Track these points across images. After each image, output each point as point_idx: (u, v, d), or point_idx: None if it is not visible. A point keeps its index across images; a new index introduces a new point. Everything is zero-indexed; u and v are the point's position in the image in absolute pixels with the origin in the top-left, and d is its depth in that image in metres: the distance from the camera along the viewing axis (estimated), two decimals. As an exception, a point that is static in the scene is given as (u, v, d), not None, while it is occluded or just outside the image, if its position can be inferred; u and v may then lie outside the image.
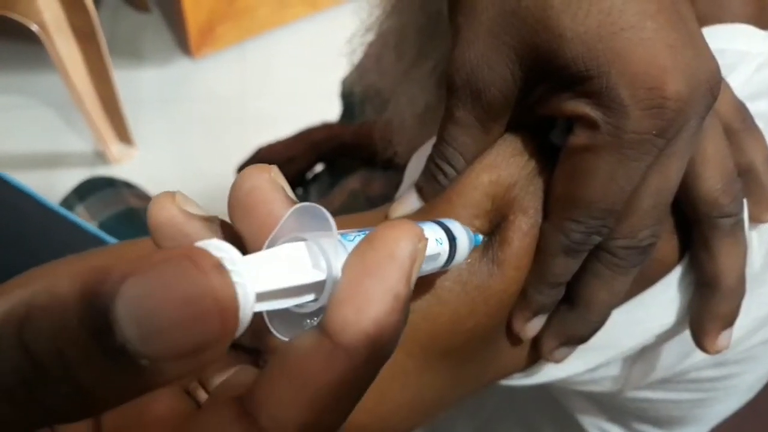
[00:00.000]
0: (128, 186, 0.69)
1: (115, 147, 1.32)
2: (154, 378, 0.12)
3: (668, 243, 0.29)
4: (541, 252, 0.26)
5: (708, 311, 0.29)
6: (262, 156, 0.81)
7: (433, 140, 0.29)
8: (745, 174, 0.29)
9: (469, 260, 0.27)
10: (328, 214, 0.15)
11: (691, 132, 0.24)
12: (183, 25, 1.45)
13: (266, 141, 0.83)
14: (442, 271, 0.24)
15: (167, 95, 1.47)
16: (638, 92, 0.22)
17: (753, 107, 0.30)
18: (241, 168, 0.81)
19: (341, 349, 0.13)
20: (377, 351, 0.14)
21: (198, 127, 1.42)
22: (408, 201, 0.28)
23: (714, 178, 0.27)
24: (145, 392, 0.12)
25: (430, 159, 0.28)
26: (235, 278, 0.13)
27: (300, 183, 0.82)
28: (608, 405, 0.38)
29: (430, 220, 0.22)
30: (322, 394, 0.13)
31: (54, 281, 0.12)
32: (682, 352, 0.32)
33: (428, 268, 0.21)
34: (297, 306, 0.16)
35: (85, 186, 0.68)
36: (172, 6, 1.47)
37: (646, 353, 0.32)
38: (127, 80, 1.38)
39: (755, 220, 0.29)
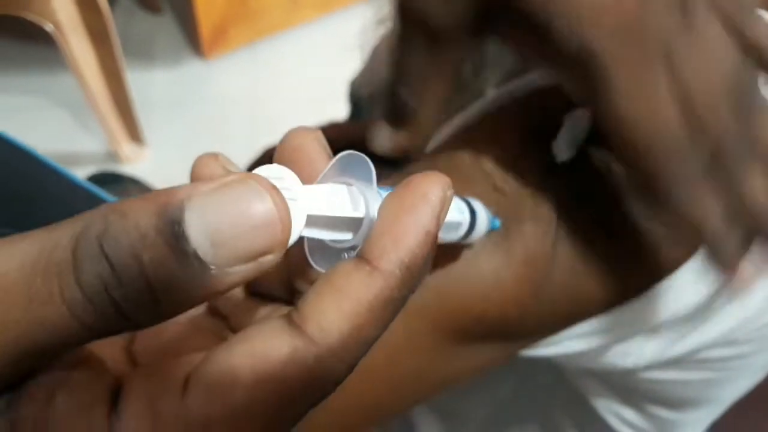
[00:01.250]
0: (134, 182, 0.70)
1: (127, 147, 1.33)
2: (219, 281, 0.13)
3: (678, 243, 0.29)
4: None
5: None
6: (271, 155, 0.81)
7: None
8: None
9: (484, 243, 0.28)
10: (371, 164, 0.17)
11: None
12: (195, 27, 1.46)
13: (273, 142, 0.84)
14: (462, 244, 0.26)
15: (179, 96, 1.49)
16: None
17: None
18: (251, 168, 0.81)
19: (379, 272, 0.15)
20: (409, 277, 0.16)
21: (209, 128, 1.43)
22: (379, 126, 0.30)
23: None
24: (210, 297, 0.14)
25: (388, 85, 0.29)
26: (290, 196, 0.14)
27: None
28: (620, 386, 0.39)
29: (458, 196, 0.24)
30: (362, 308, 0.15)
31: (125, 203, 0.13)
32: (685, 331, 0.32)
33: (451, 236, 0.23)
34: (334, 241, 0.18)
35: (92, 181, 0.69)
36: (184, 8, 1.48)
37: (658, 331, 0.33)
38: (139, 81, 1.39)
39: None
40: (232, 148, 1.35)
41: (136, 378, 0.16)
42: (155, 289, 0.13)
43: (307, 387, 0.15)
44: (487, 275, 0.28)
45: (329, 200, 0.17)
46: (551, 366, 0.39)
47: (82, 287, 0.13)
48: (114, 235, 0.13)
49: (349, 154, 0.17)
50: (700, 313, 0.31)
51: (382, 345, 0.27)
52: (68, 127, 1.40)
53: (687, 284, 0.30)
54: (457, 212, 0.23)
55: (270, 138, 0.89)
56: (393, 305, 0.16)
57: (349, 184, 0.17)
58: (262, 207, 0.13)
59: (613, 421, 0.42)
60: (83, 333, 0.13)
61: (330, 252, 0.18)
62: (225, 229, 0.13)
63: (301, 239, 0.17)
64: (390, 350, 0.27)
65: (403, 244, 0.15)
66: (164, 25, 1.61)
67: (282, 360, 0.14)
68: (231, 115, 1.46)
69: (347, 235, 0.17)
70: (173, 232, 0.13)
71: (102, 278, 0.13)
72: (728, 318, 0.32)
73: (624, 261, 0.29)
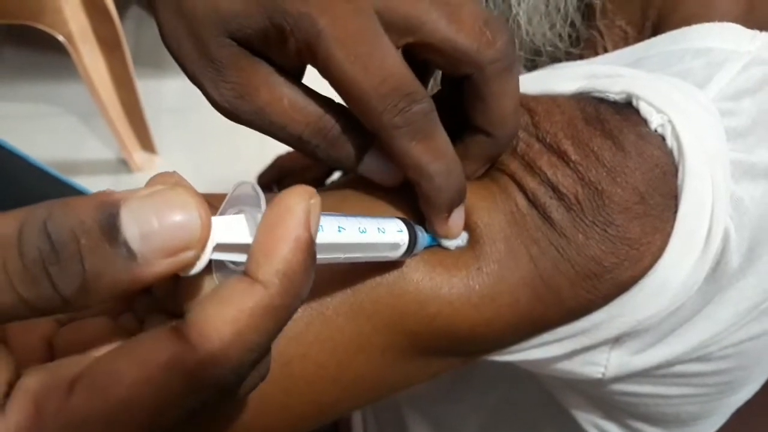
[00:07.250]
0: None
1: (138, 155, 1.34)
2: (143, 270, 0.15)
3: (646, 249, 0.29)
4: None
5: (480, 153, 0.29)
6: (281, 164, 0.81)
7: None
8: None
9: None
10: (261, 193, 0.18)
11: None
12: (206, 36, 1.46)
13: (284, 150, 0.84)
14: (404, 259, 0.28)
15: (189, 104, 1.50)
16: None
17: (737, 106, 0.30)
18: (261, 176, 0.82)
19: (258, 283, 0.17)
20: (289, 284, 0.17)
21: (219, 136, 1.44)
22: None
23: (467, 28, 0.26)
24: (135, 286, 0.15)
25: None
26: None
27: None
28: (598, 399, 0.38)
29: (397, 217, 0.26)
30: (243, 315, 0.16)
31: (70, 198, 0.15)
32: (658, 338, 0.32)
33: (393, 254, 0.25)
34: (235, 264, 0.19)
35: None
36: (195, 17, 1.49)
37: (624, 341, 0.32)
38: (150, 89, 1.41)
39: None
40: (242, 155, 1.36)
41: (27, 375, 0.17)
42: (87, 269, 0.15)
43: (187, 390, 0.16)
44: (436, 274, 0.28)
45: (230, 229, 0.18)
46: (533, 376, 0.38)
47: (23, 258, 0.14)
48: (57, 218, 0.15)
49: (241, 184, 0.19)
50: (664, 324, 0.30)
51: (332, 347, 0.27)
52: (79, 136, 1.42)
53: (647, 297, 0.29)
54: (395, 233, 0.25)
55: (279, 146, 0.89)
56: (276, 313, 0.17)
57: (242, 212, 0.19)
58: (185, 209, 0.16)
59: (595, 435, 0.41)
60: (20, 306, 0.15)
61: (232, 273, 0.19)
62: (153, 224, 0.15)
63: (209, 265, 0.18)
64: (340, 352, 0.28)
65: (275, 255, 0.17)
66: (175, 34, 1.62)
67: (161, 365, 0.16)
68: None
69: (243, 257, 0.19)
70: (109, 223, 0.15)
71: (42, 252, 0.14)
72: (696, 331, 0.31)
73: (584, 274, 0.29)
